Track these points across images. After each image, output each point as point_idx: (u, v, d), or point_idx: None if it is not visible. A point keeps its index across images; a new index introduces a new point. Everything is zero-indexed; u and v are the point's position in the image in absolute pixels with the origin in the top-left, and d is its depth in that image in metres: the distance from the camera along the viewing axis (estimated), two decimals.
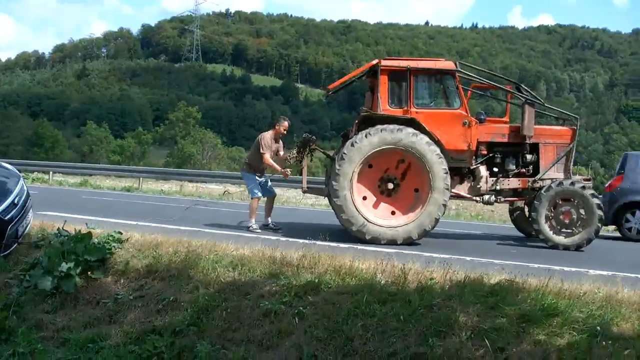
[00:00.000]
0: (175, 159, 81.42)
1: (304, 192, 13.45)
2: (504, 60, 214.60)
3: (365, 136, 12.07)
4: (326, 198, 14.12)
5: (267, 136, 13.29)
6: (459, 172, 13.03)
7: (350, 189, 12.08)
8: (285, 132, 13.38)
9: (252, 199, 13.31)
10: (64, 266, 8.58)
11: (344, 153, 12.11)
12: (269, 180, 13.71)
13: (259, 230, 12.83)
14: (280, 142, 13.44)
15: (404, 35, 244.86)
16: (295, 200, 21.34)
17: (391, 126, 12.07)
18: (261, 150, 13.09)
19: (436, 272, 7.89)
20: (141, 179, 27.33)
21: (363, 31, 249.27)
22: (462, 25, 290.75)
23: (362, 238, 11.86)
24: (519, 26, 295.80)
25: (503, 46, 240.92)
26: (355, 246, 10.75)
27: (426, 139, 12.09)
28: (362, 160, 12.13)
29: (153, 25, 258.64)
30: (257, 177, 13.31)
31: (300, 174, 13.43)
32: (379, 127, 12.12)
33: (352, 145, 12.10)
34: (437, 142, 12.25)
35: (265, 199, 13.75)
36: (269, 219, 13.46)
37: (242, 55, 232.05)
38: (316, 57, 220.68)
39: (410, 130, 12.07)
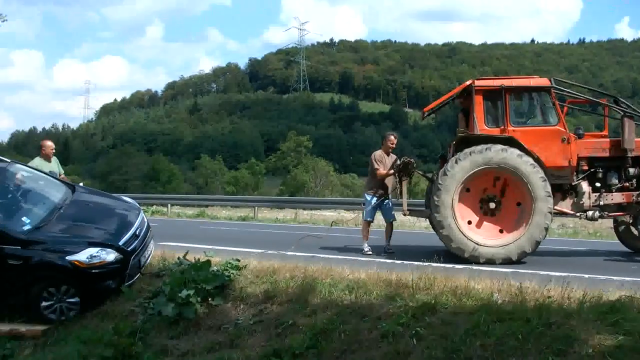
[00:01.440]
0: (289, 188, 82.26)
1: (405, 214, 13.43)
2: (614, 74, 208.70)
3: (456, 162, 12.02)
4: (428, 220, 14.03)
5: (377, 153, 13.41)
6: (561, 188, 12.73)
7: (453, 217, 12.03)
8: (393, 145, 13.37)
9: (363, 220, 13.42)
10: (185, 293, 8.89)
11: (440, 183, 12.09)
12: (390, 203, 13.59)
13: (370, 252, 12.94)
14: (393, 156, 13.42)
15: (510, 54, 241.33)
16: (410, 224, 21.29)
17: (479, 147, 11.98)
18: (375, 167, 13.17)
19: (554, 290, 7.77)
20: (256, 208, 27.78)
21: (468, 53, 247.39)
22: (568, 40, 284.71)
23: (476, 262, 11.76)
24: (628, 38, 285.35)
25: (612, 59, 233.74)
26: (470, 267, 10.68)
27: (517, 151, 11.96)
28: (458, 187, 12.09)
29: (260, 58, 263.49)
30: (375, 198, 13.30)
31: (401, 197, 13.36)
32: (467, 150, 12.05)
33: (445, 174, 12.07)
34: (537, 160, 12.09)
35: (386, 223, 13.71)
36: (388, 243, 13.45)
37: (348, 83, 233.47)
38: (422, 81, 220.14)
39: (499, 146, 11.96)
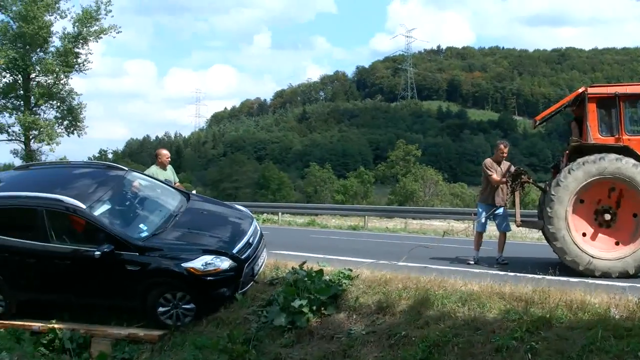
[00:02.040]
0: (398, 197, 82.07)
1: (518, 225, 13.09)
2: None
3: (569, 172, 11.69)
4: (540, 231, 13.70)
5: (487, 161, 13.23)
6: None
7: (567, 229, 11.70)
8: (503, 154, 13.08)
9: (475, 231, 13.26)
10: (298, 303, 8.97)
11: (552, 194, 11.78)
12: (503, 213, 13.27)
13: (472, 263, 12.86)
14: (506, 164, 13.16)
15: (622, 59, 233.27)
16: (521, 235, 20.91)
17: (592, 157, 11.61)
18: (488, 172, 12.96)
19: None
20: (366, 217, 27.77)
21: (578, 58, 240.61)
22: None
23: (591, 275, 11.44)
24: None
25: None
26: (585, 280, 10.43)
27: (632, 161, 11.53)
28: (572, 199, 11.76)
29: (367, 66, 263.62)
30: (488, 207, 13.12)
31: (513, 207, 13.10)
32: (580, 160, 11.69)
33: (558, 184, 11.75)
34: None
35: (499, 233, 13.49)
36: (500, 254, 13.22)
37: (456, 90, 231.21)
38: (532, 88, 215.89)
39: (613, 156, 11.56)
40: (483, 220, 13.16)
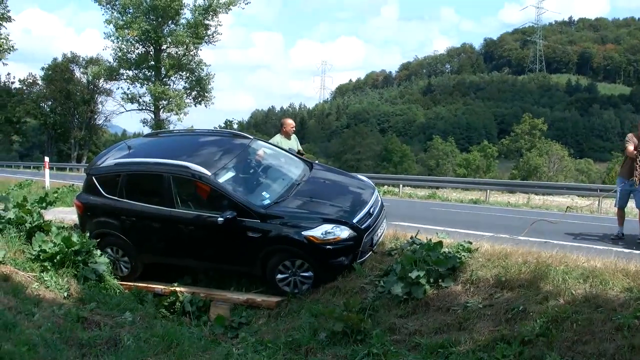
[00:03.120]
0: (521, 172, 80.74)
1: None
2: None
3: None
4: None
5: (630, 134, 12.67)
6: None
7: None
8: None
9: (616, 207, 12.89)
10: (415, 274, 8.93)
11: None
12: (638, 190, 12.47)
13: (613, 238, 12.60)
14: None
15: None
16: None
17: None
18: (625, 144, 12.52)
19: None
20: (488, 191, 27.39)
21: None
22: None
23: None
24: None
25: None
26: None
27: None
28: None
29: (495, 38, 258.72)
30: (625, 183, 12.64)
31: None
32: None
33: None
34: None
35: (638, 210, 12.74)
36: (631, 230, 12.63)
37: (587, 63, 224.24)
38: None
39: None
40: (618, 195, 12.75)
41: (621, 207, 12.94)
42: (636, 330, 6.75)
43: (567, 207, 18.55)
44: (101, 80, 69.24)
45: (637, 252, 10.48)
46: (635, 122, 13.67)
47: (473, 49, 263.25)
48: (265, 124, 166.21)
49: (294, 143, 13.40)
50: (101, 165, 11.69)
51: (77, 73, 75.72)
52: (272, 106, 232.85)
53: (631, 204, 12.90)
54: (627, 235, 12.63)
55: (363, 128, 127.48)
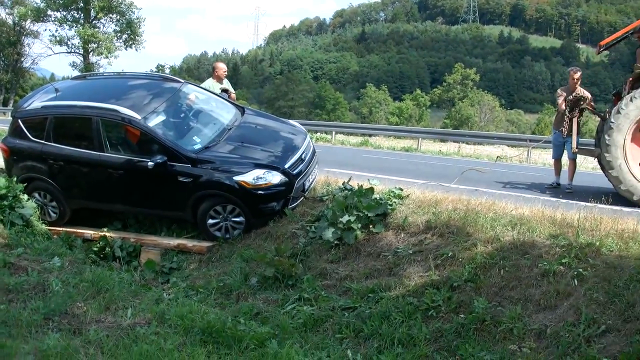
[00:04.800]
0: (453, 121, 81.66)
1: (574, 152, 12.74)
2: None
3: (631, 100, 11.35)
4: (596, 159, 13.40)
5: (561, 88, 13.03)
6: None
7: (624, 158, 11.42)
8: (574, 81, 12.63)
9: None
10: (346, 219, 8.99)
11: (612, 122, 11.46)
12: (570, 142, 12.82)
13: (547, 186, 12.98)
14: (580, 91, 12.66)
15: None
16: (578, 163, 20.60)
17: None
18: (556, 99, 12.82)
19: None
20: (420, 139, 27.53)
21: None
22: None
23: None
24: None
25: None
26: (639, 210, 10.23)
27: None
28: (631, 127, 11.41)
29: None
30: (556, 133, 13.03)
31: (571, 134, 12.74)
32: None
33: (619, 112, 11.41)
34: None
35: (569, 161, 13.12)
36: (570, 182, 12.82)
37: (519, 15, 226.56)
38: (598, 16, 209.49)
39: None
40: (554, 147, 13.14)
41: (556, 157, 13.24)
42: (561, 276, 6.91)
43: (497, 156, 18.87)
44: (28, 22, 67.16)
45: (564, 200, 10.69)
46: (566, 75, 13.84)
47: None
48: (197, 69, 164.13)
49: (226, 88, 13.23)
50: (28, 108, 11.39)
51: (2, 14, 73.26)
52: (204, 51, 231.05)
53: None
54: (563, 185, 12.88)
55: (296, 75, 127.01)
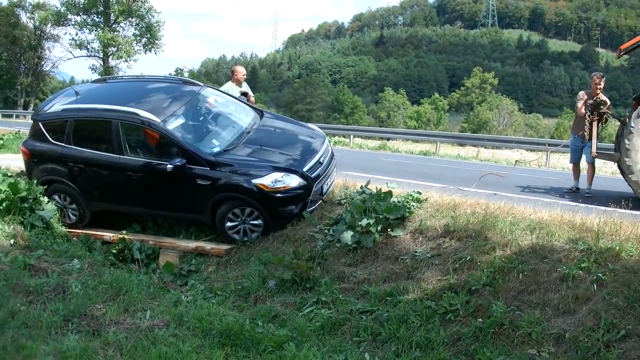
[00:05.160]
0: (471, 125, 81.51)
1: (594, 157, 12.66)
2: None
3: None
4: (616, 164, 13.31)
5: (582, 92, 12.96)
6: None
7: None
8: (597, 86, 12.53)
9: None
10: (365, 222, 8.99)
11: (632, 127, 11.40)
12: (589, 145, 12.73)
13: (567, 191, 12.86)
14: (601, 95, 12.61)
15: None
16: (596, 168, 20.50)
17: None
18: (577, 104, 12.77)
19: None
20: (438, 143, 27.51)
21: None
22: None
23: None
24: None
25: None
26: None
27: None
28: None
29: None
30: (575, 138, 12.96)
31: (591, 139, 12.62)
32: None
33: (639, 116, 11.37)
34: None
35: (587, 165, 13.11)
36: (589, 186, 12.82)
37: (539, 19, 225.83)
38: (617, 20, 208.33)
39: None
40: (571, 151, 13.08)
41: (574, 162, 13.18)
42: (580, 281, 6.88)
43: (516, 160, 18.77)
44: (48, 26, 67.57)
45: (584, 205, 10.63)
46: (585, 80, 13.77)
47: (426, 1, 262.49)
48: (216, 72, 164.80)
49: (245, 91, 13.27)
50: (48, 111, 11.49)
51: (24, 18, 73.63)
52: (223, 55, 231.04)
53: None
54: (582, 189, 12.82)
55: (315, 78, 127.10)
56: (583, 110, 12.48)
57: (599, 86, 12.53)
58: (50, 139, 11.15)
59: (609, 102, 12.58)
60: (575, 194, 12.64)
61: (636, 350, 5.73)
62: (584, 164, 13.05)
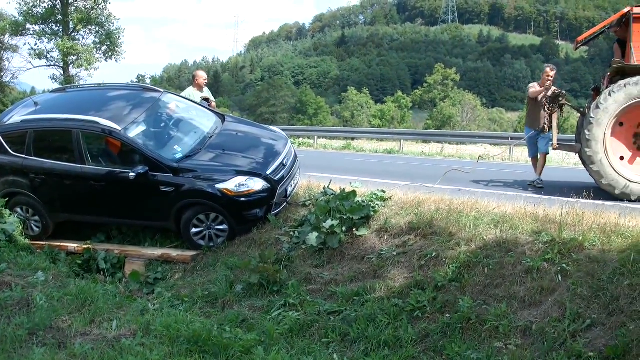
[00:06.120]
0: (435, 122, 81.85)
1: (554, 149, 12.81)
2: None
3: (609, 94, 11.41)
4: (577, 155, 13.42)
5: (533, 83, 13.12)
6: None
7: (604, 152, 11.48)
8: (549, 77, 12.66)
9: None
10: (329, 223, 9.02)
11: (591, 117, 11.52)
12: (547, 136, 12.91)
13: (530, 184, 12.89)
14: (552, 88, 12.72)
15: None
16: (558, 159, 20.71)
17: (634, 79, 11.31)
18: (530, 90, 12.86)
19: None
20: (402, 141, 27.58)
21: None
22: None
23: (627, 199, 11.28)
24: None
25: None
26: (620, 204, 10.26)
27: None
28: (611, 121, 11.49)
29: None
30: (534, 132, 13.01)
31: (551, 131, 12.77)
32: (622, 82, 11.41)
33: (598, 107, 11.47)
34: None
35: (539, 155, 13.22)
36: (538, 177, 12.93)
37: (498, 14, 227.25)
38: (576, 12, 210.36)
39: None
40: (528, 145, 13.11)
41: (533, 155, 13.27)
42: (545, 273, 6.94)
43: (479, 156, 18.89)
44: (7, 36, 66.88)
45: (547, 197, 10.70)
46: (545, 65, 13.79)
47: (386, 0, 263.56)
48: (178, 78, 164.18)
49: (206, 96, 13.23)
50: (7, 123, 11.33)
51: None
52: (185, 60, 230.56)
53: None
54: (535, 180, 12.91)
55: (277, 81, 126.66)
56: (539, 91, 12.68)
57: (549, 78, 12.67)
58: (10, 151, 11.01)
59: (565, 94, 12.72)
60: (538, 187, 12.71)
61: (601, 339, 5.80)
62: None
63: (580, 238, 7.37)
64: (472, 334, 6.48)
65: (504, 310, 6.57)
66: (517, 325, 6.37)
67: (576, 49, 15.09)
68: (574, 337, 5.92)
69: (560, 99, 12.50)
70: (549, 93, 12.53)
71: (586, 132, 11.60)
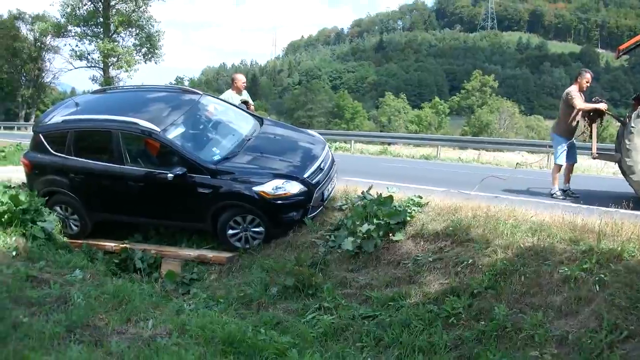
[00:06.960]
0: (472, 128, 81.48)
1: (594, 158, 12.63)
2: None
3: None
4: (616, 164, 13.23)
5: (572, 89, 12.56)
6: None
7: None
8: (589, 83, 12.51)
9: (555, 164, 12.91)
10: (366, 228, 9.01)
11: (632, 127, 11.33)
12: (575, 145, 12.80)
13: (562, 197, 12.38)
14: (603, 102, 12.41)
15: None
16: (597, 168, 20.48)
17: None
18: (573, 101, 12.29)
19: None
20: (439, 147, 27.49)
21: None
22: None
23: None
24: None
25: None
26: None
27: None
28: None
29: None
30: (566, 140, 12.61)
31: (590, 140, 12.60)
32: None
33: (639, 116, 11.30)
34: None
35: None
36: (568, 185, 12.85)
37: (538, 21, 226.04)
38: (617, 20, 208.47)
39: None
40: (561, 152, 12.75)
41: (572, 162, 13.02)
42: (582, 282, 6.87)
43: (517, 163, 18.74)
44: (48, 37, 67.65)
45: (585, 206, 10.61)
46: (580, 69, 13.51)
47: (425, 6, 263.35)
48: (216, 81, 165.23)
49: (245, 99, 13.30)
50: (48, 123, 11.50)
51: (24, 30, 73.67)
52: (223, 63, 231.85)
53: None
54: (575, 190, 12.77)
55: (315, 85, 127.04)
56: (592, 107, 12.33)
57: (588, 84, 12.51)
58: (51, 151, 11.16)
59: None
60: (572, 195, 12.53)
61: (639, 351, 5.72)
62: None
63: (619, 248, 7.28)
64: (507, 342, 6.42)
65: (540, 319, 6.50)
66: (553, 335, 6.30)
67: (617, 58, 14.91)
68: (610, 349, 5.85)
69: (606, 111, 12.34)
70: (601, 106, 12.28)
71: (626, 141, 11.46)
